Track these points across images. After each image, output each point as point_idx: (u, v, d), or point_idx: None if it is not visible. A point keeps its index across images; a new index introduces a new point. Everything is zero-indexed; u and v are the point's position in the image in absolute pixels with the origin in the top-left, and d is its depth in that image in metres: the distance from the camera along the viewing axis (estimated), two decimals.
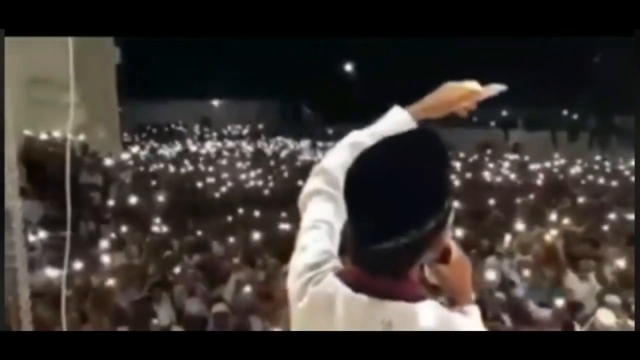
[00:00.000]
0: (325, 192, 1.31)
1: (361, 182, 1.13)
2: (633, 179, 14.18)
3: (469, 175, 14.70)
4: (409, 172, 1.10)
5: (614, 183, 13.32)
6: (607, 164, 17.68)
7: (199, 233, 8.59)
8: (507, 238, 8.01)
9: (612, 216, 9.42)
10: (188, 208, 10.17)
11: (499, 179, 14.17)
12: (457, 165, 17.98)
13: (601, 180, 13.97)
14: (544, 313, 5.21)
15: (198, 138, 29.66)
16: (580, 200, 10.96)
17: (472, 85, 1.56)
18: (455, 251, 1.28)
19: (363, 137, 1.45)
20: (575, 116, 31.82)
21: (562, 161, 18.03)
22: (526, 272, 6.41)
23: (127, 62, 15.06)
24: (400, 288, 1.15)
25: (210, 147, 24.85)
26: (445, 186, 1.14)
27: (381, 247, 1.09)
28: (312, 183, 1.43)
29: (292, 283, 1.30)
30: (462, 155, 19.94)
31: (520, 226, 8.58)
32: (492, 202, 10.58)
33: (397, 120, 1.53)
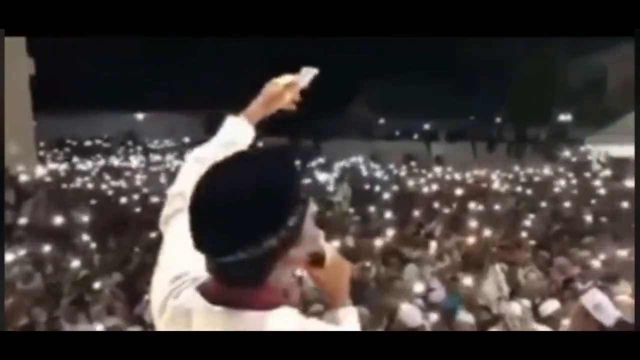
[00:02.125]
0: (185, 210, 1.24)
1: (204, 197, 1.12)
2: (546, 186, 15.04)
3: (395, 187, 15.09)
4: (249, 189, 1.08)
5: (529, 191, 14.02)
6: (521, 172, 18.60)
7: (121, 250, 8.30)
8: (433, 245, 8.28)
9: (527, 223, 9.92)
10: (110, 224, 9.82)
11: (424, 189, 14.58)
12: (384, 177, 18.41)
13: (519, 189, 14.66)
14: (467, 318, 5.38)
15: (122, 152, 28.77)
16: (497, 207, 11.47)
17: (288, 77, 1.63)
18: (331, 255, 1.30)
19: (206, 152, 1.49)
20: (493, 128, 33.39)
21: (482, 171, 18.78)
22: (446, 278, 6.62)
23: (43, 74, 14.38)
24: (255, 297, 1.14)
25: (134, 161, 24.13)
26: (289, 204, 1.11)
27: (224, 260, 1.09)
28: (171, 206, 1.45)
29: (155, 299, 1.29)
30: (388, 167, 20.41)
31: (443, 234, 8.90)
32: (417, 212, 10.89)
33: (234, 128, 1.58)
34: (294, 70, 1.67)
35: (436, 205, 11.61)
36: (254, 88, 1.67)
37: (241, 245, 1.08)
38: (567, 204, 12.00)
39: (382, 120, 36.89)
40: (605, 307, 3.20)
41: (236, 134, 1.56)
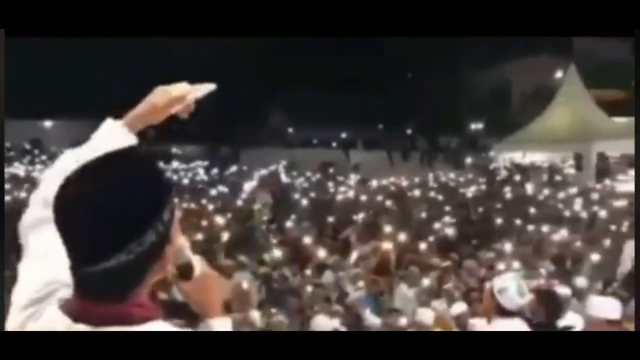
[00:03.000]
0: (49, 219, 1.16)
1: (69, 202, 1.05)
2: (456, 191, 15.69)
3: (312, 194, 15.21)
4: (114, 191, 1.04)
5: (440, 197, 14.56)
6: (433, 179, 19.31)
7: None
8: (354, 252, 8.41)
9: (437, 226, 10.30)
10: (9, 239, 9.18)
11: (340, 197, 14.78)
12: (302, 184, 18.50)
13: (432, 194, 15.20)
14: (376, 321, 5.49)
15: (28, 161, 27.15)
16: (413, 213, 11.84)
17: (183, 86, 1.55)
18: (200, 268, 1.29)
19: (75, 156, 1.37)
20: (407, 137, 34.49)
21: (397, 179, 19.30)
22: (360, 283, 6.72)
23: None
24: (120, 312, 1.09)
25: (40, 170, 22.82)
26: (158, 200, 1.07)
27: (92, 269, 1.04)
28: (32, 212, 1.33)
29: (12, 319, 1.20)
30: (306, 174, 20.55)
31: (360, 239, 9.06)
32: (332, 218, 11.02)
33: (111, 133, 1.48)
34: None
35: (353, 211, 11.81)
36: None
37: (110, 253, 1.02)
38: (477, 209, 12.58)
39: (299, 129, 37.13)
40: (509, 293, 3.45)
41: (110, 139, 1.44)
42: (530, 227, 10.31)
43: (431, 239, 9.40)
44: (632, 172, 18.71)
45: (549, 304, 4.34)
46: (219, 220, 9.91)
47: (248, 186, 16.75)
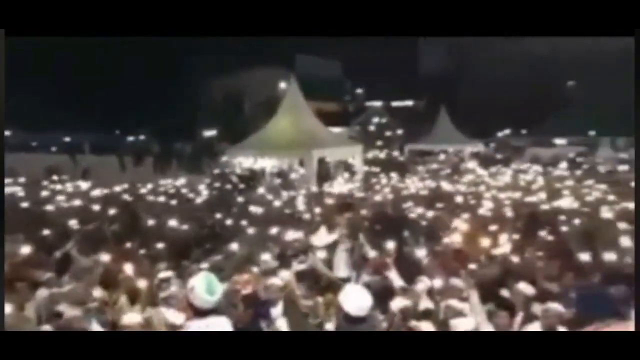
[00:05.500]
0: None
1: None
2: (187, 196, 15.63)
3: (25, 204, 13.48)
4: None
5: (173, 202, 14.36)
6: (169, 184, 18.97)
7: None
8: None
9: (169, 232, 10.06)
10: None
11: (65, 205, 13.41)
12: (18, 192, 16.27)
13: (162, 199, 14.84)
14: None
15: None
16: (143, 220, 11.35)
17: None
18: None
19: None
20: (140, 141, 33.32)
21: (130, 185, 18.39)
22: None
23: None
24: None
25: None
26: None
27: None
28: None
29: None
30: (22, 180, 18.20)
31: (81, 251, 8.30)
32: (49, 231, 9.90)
33: None
34: None
35: (78, 221, 10.77)
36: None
37: None
38: (210, 213, 12.66)
39: (16, 132, 33.00)
40: (198, 292, 3.49)
41: None
42: (260, 228, 10.75)
43: (160, 245, 9.10)
44: (346, 175, 21.25)
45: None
46: None
47: None
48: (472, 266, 6.97)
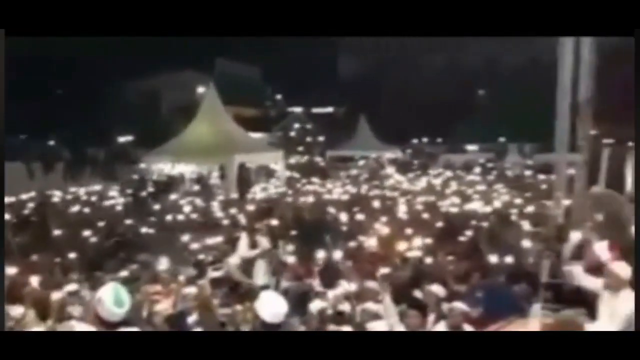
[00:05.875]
0: None
1: None
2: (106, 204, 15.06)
3: None
4: None
5: (86, 210, 13.80)
6: (81, 192, 18.20)
7: None
8: None
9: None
10: None
11: None
12: None
13: (76, 208, 14.22)
14: None
15: None
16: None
17: None
18: None
19: None
20: (49, 147, 31.70)
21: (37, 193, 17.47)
22: None
23: None
24: None
25: None
26: None
27: None
28: None
29: None
30: None
31: None
32: None
33: None
34: None
35: None
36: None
37: None
38: (125, 221, 12.26)
39: None
40: (105, 304, 3.44)
41: None
42: (176, 235, 10.53)
43: (73, 255, 8.71)
44: (273, 180, 21.26)
45: None
46: None
47: None
48: (386, 269, 7.16)
